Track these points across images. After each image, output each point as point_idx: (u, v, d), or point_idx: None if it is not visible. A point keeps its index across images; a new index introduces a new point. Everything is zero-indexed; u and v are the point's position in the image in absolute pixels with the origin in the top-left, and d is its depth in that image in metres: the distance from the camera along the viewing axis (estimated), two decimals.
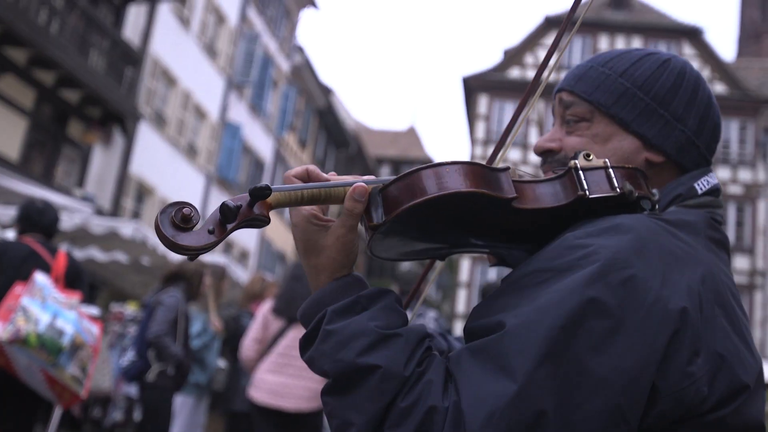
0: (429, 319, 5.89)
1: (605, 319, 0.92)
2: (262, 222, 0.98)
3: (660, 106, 1.21)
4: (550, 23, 29.02)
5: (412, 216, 1.01)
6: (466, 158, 1.06)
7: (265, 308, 5.51)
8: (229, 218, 0.96)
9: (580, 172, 1.06)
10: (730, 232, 26.38)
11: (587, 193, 1.04)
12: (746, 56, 62.56)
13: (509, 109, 28.47)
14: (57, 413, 5.78)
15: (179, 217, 0.94)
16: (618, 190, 1.05)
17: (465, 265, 27.02)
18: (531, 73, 28.67)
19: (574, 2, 1.23)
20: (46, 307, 4.02)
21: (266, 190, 0.98)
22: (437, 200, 0.99)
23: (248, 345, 5.37)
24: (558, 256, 0.99)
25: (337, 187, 1.04)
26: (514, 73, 28.86)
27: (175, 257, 11.06)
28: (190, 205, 0.96)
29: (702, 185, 1.21)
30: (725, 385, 1.00)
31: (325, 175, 1.10)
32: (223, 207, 0.95)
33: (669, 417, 0.96)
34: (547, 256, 1.01)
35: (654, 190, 1.12)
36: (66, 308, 4.10)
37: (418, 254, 1.20)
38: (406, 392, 0.93)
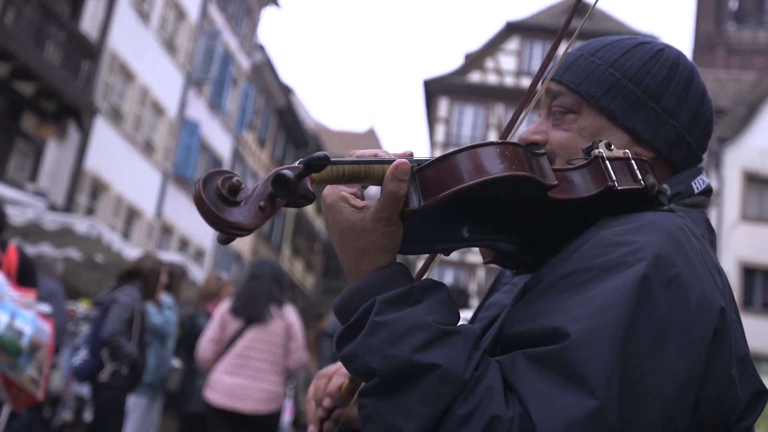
0: None
1: (657, 322, 0.89)
2: (309, 199, 0.86)
3: (651, 99, 1.15)
4: (511, 29, 29.29)
5: (449, 203, 0.92)
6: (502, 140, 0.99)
7: (222, 308, 5.43)
8: (282, 191, 0.82)
9: (607, 162, 1.01)
10: None
11: (616, 184, 0.99)
12: (700, 67, 63.72)
13: (469, 112, 28.65)
14: (5, 411, 5.63)
15: (227, 187, 0.81)
16: (642, 183, 1.02)
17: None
18: (492, 78, 28.91)
19: (572, 11, 1.16)
20: (3, 306, 3.86)
21: (324, 161, 0.84)
22: (480, 186, 0.91)
23: (205, 345, 5.30)
24: (600, 254, 0.93)
25: (378, 164, 0.93)
26: (475, 77, 29.05)
27: (132, 254, 10.88)
28: (234, 173, 0.83)
29: (698, 184, 1.17)
30: (750, 390, 0.98)
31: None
32: (281, 177, 0.81)
33: (708, 426, 0.93)
34: (586, 255, 0.94)
35: (665, 186, 1.07)
36: (23, 307, 3.95)
37: (425, 248, 1.11)
38: (465, 398, 0.84)
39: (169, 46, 22.16)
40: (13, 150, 15.97)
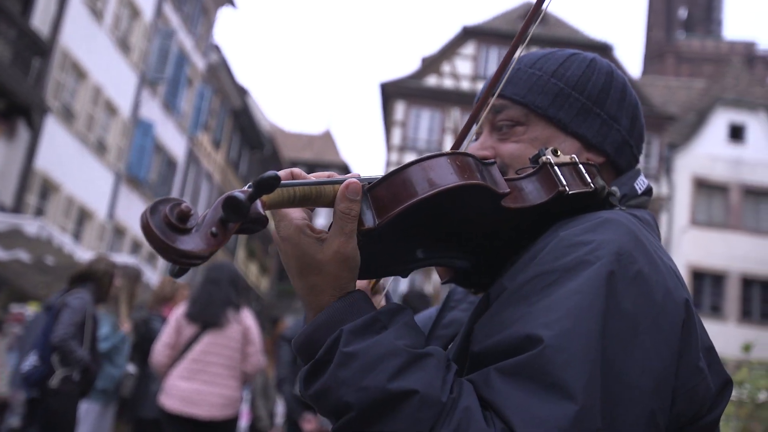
0: None
1: (627, 319, 0.88)
2: (261, 224, 0.82)
3: (595, 105, 1.18)
4: (467, 33, 29.47)
5: (404, 219, 0.90)
6: (452, 149, 0.98)
7: (178, 312, 5.34)
8: (234, 215, 0.77)
9: (555, 168, 1.01)
10: None
11: (567, 189, 0.99)
12: (651, 74, 65.06)
13: (426, 116, 28.75)
14: None
15: (176, 215, 0.77)
16: (592, 186, 1.02)
17: None
18: (448, 82, 29.05)
19: (525, 23, 1.15)
20: None
21: (275, 180, 0.80)
22: (435, 198, 0.88)
23: (160, 350, 5.20)
24: (561, 255, 0.93)
25: (329, 184, 0.91)
26: (431, 81, 29.17)
27: (83, 257, 10.66)
28: (183, 199, 0.79)
29: (640, 185, 1.19)
30: (718, 380, 0.98)
31: (298, 170, 0.97)
32: (232, 200, 0.77)
33: (683, 418, 0.92)
34: (547, 257, 0.93)
35: (615, 188, 1.08)
36: None
37: (381, 272, 1.07)
38: (445, 421, 0.82)
39: (123, 45, 21.82)
40: None
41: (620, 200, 1.13)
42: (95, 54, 20.06)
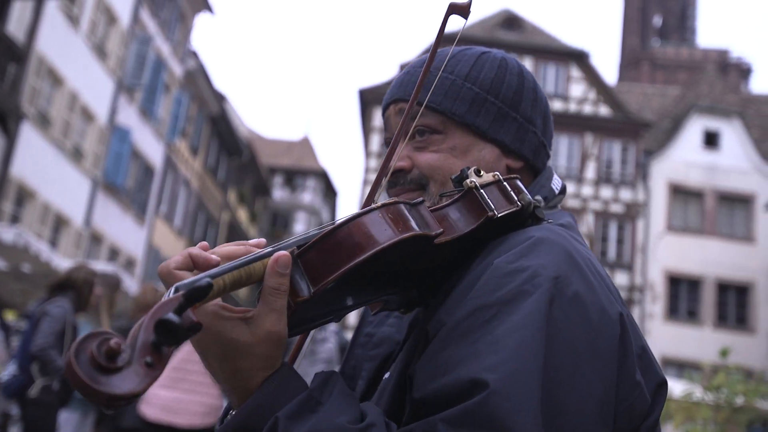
0: (330, 333, 5.82)
1: (567, 349, 0.86)
2: (196, 330, 0.73)
3: (511, 109, 1.16)
4: (445, 40, 29.55)
5: (339, 282, 0.85)
6: (380, 200, 0.97)
7: None
8: (170, 338, 0.70)
9: (482, 191, 0.98)
10: (612, 250, 27.54)
11: (495, 213, 0.96)
12: (627, 81, 65.65)
13: None
14: None
15: (103, 353, 0.67)
16: (519, 204, 0.99)
17: None
18: None
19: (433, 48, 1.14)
20: None
21: (209, 288, 0.74)
22: (371, 258, 0.84)
23: None
24: (497, 287, 0.89)
25: (255, 261, 0.84)
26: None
27: (61, 264, 10.57)
28: (111, 333, 0.70)
29: (556, 185, 1.18)
30: (653, 383, 0.97)
31: (206, 253, 0.88)
32: (166, 324, 0.69)
33: (622, 430, 0.91)
34: (484, 289, 0.90)
35: (538, 197, 1.05)
36: None
37: (307, 327, 0.99)
38: None
39: (100, 51, 21.68)
40: None
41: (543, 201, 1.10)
42: (71, 60, 19.93)
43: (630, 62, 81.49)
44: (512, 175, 1.04)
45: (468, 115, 1.13)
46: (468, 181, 0.99)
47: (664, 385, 0.99)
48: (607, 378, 0.88)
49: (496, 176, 1.01)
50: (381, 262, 0.87)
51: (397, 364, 1.05)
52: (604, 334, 0.89)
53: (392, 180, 1.15)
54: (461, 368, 0.84)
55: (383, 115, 1.22)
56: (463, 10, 1.14)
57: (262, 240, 0.93)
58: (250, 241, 0.92)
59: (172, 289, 0.77)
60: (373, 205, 0.89)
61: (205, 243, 0.92)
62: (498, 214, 0.96)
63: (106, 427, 6.93)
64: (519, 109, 1.16)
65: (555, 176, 1.20)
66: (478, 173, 1.00)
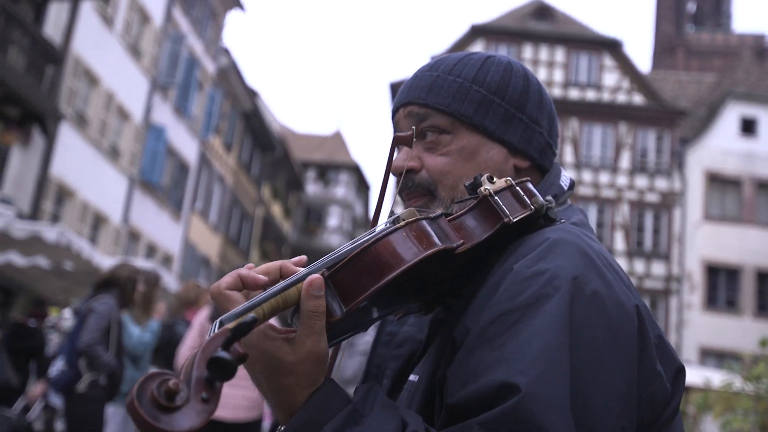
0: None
1: (590, 347, 0.90)
2: (243, 361, 0.78)
3: (517, 110, 1.19)
4: (475, 32, 29.47)
5: (370, 300, 0.89)
6: (406, 216, 0.98)
7: (202, 316, 5.41)
8: (223, 374, 0.74)
9: (496, 198, 1.01)
10: (648, 239, 27.28)
11: (510, 218, 0.99)
12: (661, 69, 64.74)
13: None
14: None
15: (163, 393, 0.72)
16: (532, 207, 1.02)
17: None
18: None
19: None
20: None
21: (254, 323, 0.79)
22: (401, 275, 0.88)
23: (185, 354, 5.27)
24: (519, 291, 0.93)
25: (290, 288, 0.89)
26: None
27: (102, 262, 10.77)
28: (169, 373, 0.74)
29: (564, 182, 1.22)
30: (672, 369, 1.00)
31: (253, 273, 0.94)
32: (219, 361, 0.74)
33: (645, 421, 0.95)
34: (506, 294, 0.94)
35: (549, 197, 1.07)
36: None
37: (342, 337, 1.05)
38: None
39: (134, 51, 21.96)
40: None
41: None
42: (107, 60, 20.22)
43: (664, 49, 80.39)
44: (523, 179, 1.07)
45: (476, 116, 1.17)
46: (482, 188, 1.02)
47: (682, 371, 1.02)
48: (628, 371, 0.91)
49: (509, 182, 1.03)
50: (407, 277, 0.91)
51: (425, 367, 1.09)
52: (623, 328, 0.93)
53: (402, 181, 1.18)
54: (491, 373, 0.88)
55: (392, 118, 1.25)
56: (407, 141, 1.16)
57: (303, 257, 0.97)
58: (293, 259, 0.96)
59: (217, 323, 0.82)
60: (397, 225, 0.92)
61: (251, 264, 0.97)
62: (513, 219, 1.00)
63: None
64: (525, 110, 1.19)
65: (563, 173, 1.23)
66: (491, 180, 1.03)
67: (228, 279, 0.91)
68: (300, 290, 0.88)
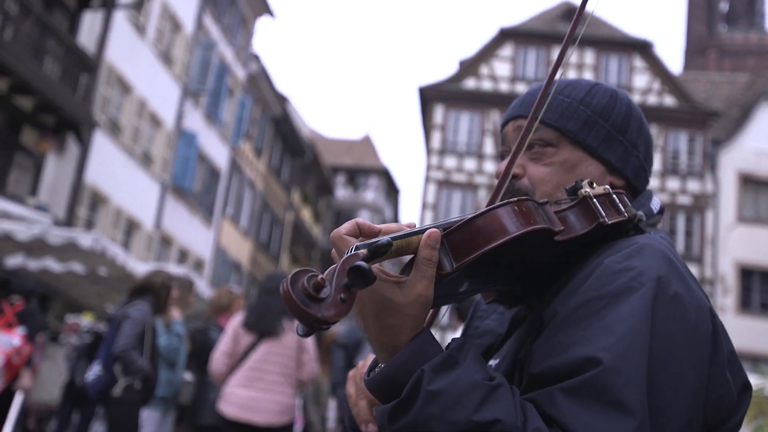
0: None
1: (668, 340, 0.98)
2: (373, 282, 0.89)
3: (619, 133, 1.29)
4: (504, 35, 29.41)
5: (476, 262, 0.99)
6: (517, 196, 1.11)
7: (235, 322, 5.49)
8: (362, 282, 0.87)
9: (595, 200, 1.11)
10: (680, 242, 27.00)
11: (606, 220, 1.09)
12: (693, 69, 63.97)
13: (465, 119, 28.75)
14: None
15: (312, 285, 0.86)
16: (626, 215, 1.12)
17: None
18: (486, 84, 29.02)
19: (575, 17, 1.27)
20: None
21: (389, 246, 0.91)
22: (506, 244, 0.98)
23: (218, 359, 5.36)
24: (608, 282, 1.02)
25: (413, 235, 0.99)
26: (470, 83, 29.17)
27: (135, 268, 10.93)
28: (315, 271, 0.88)
29: (655, 206, 1.30)
30: (740, 383, 1.08)
31: (369, 223, 1.04)
32: (360, 269, 0.86)
33: (711, 424, 1.02)
34: (595, 284, 1.03)
35: (641, 212, 1.17)
36: None
37: (440, 303, 1.16)
38: None
39: (166, 58, 22.23)
40: (13, 164, 16.02)
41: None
42: (139, 68, 20.50)
43: (696, 50, 79.50)
44: (620, 191, 1.16)
45: (580, 133, 1.27)
46: (583, 190, 1.12)
47: (749, 388, 1.10)
48: (700, 369, 0.99)
49: (607, 189, 1.13)
50: (509, 250, 1.01)
51: (507, 351, 1.20)
52: (699, 331, 1.01)
53: (507, 186, 1.28)
54: (576, 348, 0.96)
55: (501, 130, 1.37)
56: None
57: (413, 222, 1.07)
58: (402, 223, 1.06)
59: (353, 248, 0.93)
60: (507, 201, 1.03)
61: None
62: (608, 221, 1.09)
63: (187, 425, 7.18)
64: (626, 134, 1.29)
65: (655, 199, 1.32)
66: (591, 185, 1.13)
67: (348, 225, 1.01)
68: (419, 240, 0.98)
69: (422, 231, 0.99)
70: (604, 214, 1.09)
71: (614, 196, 1.13)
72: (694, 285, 1.06)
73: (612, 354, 0.94)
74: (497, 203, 1.02)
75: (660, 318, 0.98)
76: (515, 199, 1.03)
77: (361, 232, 1.01)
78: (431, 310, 1.19)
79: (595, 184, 1.14)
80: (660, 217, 1.30)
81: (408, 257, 1.01)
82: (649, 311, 0.98)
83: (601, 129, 1.28)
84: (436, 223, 1.04)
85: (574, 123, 1.27)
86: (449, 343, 1.00)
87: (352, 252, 0.91)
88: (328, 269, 0.91)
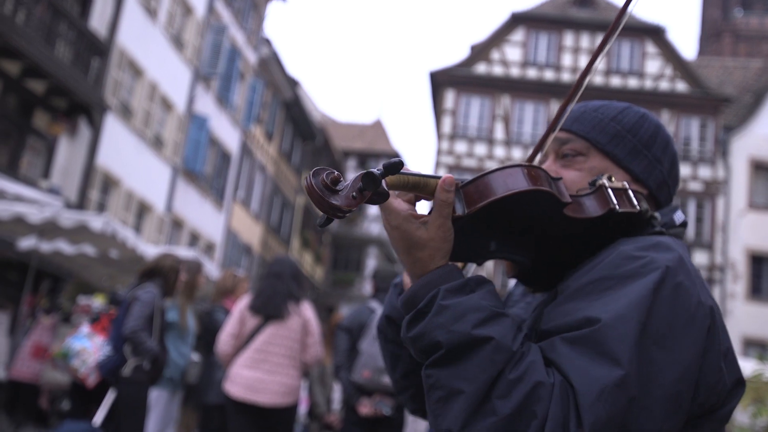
0: None
1: (665, 319, 1.09)
2: (384, 197, 1.07)
3: (645, 148, 1.42)
4: (516, 20, 29.30)
5: (485, 212, 1.14)
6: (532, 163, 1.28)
7: (242, 304, 5.59)
8: (370, 185, 1.02)
9: (609, 190, 1.23)
10: (690, 228, 26.95)
11: (617, 207, 1.21)
12: (707, 55, 63.39)
13: (476, 104, 28.72)
14: None
15: (330, 179, 1.01)
16: (638, 208, 1.24)
17: None
18: (497, 69, 28.95)
19: (623, 7, 1.38)
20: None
21: (401, 165, 1.05)
22: (511, 198, 1.12)
23: (225, 340, 5.46)
24: (620, 265, 1.15)
25: (432, 178, 1.15)
26: (481, 68, 29.10)
27: (146, 250, 11.07)
28: (333, 169, 1.03)
29: (678, 218, 1.41)
30: (733, 378, 1.19)
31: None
32: (370, 174, 1.02)
33: (703, 407, 1.13)
34: (609, 265, 1.16)
35: (656, 213, 1.30)
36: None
37: (465, 257, 1.30)
38: (514, 365, 1.04)
39: (177, 42, 22.30)
40: (26, 147, 16.17)
41: (661, 226, 1.35)
42: (150, 52, 20.57)
43: (710, 35, 78.74)
44: (639, 190, 1.30)
45: (609, 145, 1.40)
46: (600, 181, 1.25)
47: (742, 383, 1.21)
48: (693, 352, 1.10)
49: (624, 185, 1.28)
50: (520, 210, 1.16)
51: (529, 320, 1.36)
52: (697, 319, 1.12)
53: None
54: (581, 312, 1.11)
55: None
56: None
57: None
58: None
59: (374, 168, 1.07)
60: (519, 163, 1.16)
61: None
62: (619, 209, 1.21)
63: (193, 404, 7.31)
64: (651, 149, 1.42)
65: (679, 213, 1.42)
66: (610, 179, 1.27)
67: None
68: (436, 183, 1.14)
69: (440, 177, 1.15)
70: (616, 202, 1.22)
71: (630, 191, 1.25)
72: (701, 285, 1.17)
73: (610, 314, 1.07)
74: (508, 164, 1.16)
75: (661, 299, 1.10)
76: (527, 163, 1.17)
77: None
78: (458, 264, 1.39)
79: (614, 179, 1.27)
80: (683, 230, 1.41)
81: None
82: (651, 294, 1.10)
83: (629, 143, 1.41)
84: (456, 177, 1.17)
85: (604, 136, 1.41)
86: (471, 277, 1.16)
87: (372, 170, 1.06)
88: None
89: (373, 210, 44.62)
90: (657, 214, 1.30)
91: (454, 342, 1.06)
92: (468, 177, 1.18)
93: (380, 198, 1.06)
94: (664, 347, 1.07)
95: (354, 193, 1.02)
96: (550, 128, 1.41)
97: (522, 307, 1.53)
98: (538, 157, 1.43)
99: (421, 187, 1.13)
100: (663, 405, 1.05)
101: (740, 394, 1.21)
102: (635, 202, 1.24)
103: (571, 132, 1.43)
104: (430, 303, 1.11)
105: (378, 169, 1.04)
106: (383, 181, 1.05)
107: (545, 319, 1.17)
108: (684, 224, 1.42)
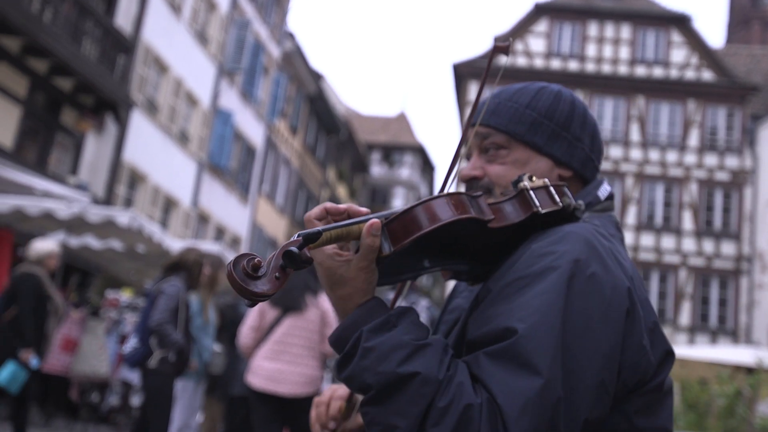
0: (422, 308, 6.11)
1: (581, 313, 1.12)
2: (309, 263, 1.09)
3: (563, 129, 1.45)
4: (539, 10, 29.15)
5: (412, 245, 1.16)
6: (449, 191, 1.28)
7: None
8: (291, 263, 1.05)
9: (531, 192, 1.25)
10: (717, 218, 26.74)
11: (540, 209, 1.23)
12: (735, 42, 62.56)
13: None
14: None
15: (251, 266, 1.03)
16: (560, 204, 1.27)
17: None
18: (521, 60, 28.85)
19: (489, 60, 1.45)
20: None
21: (318, 235, 1.09)
22: (436, 230, 1.14)
23: (246, 333, 5.59)
24: (532, 263, 1.18)
25: (354, 224, 1.17)
26: (504, 60, 28.97)
27: (171, 245, 11.25)
28: (255, 254, 1.06)
29: (602, 193, 1.45)
30: (660, 351, 1.24)
31: (341, 206, 1.22)
32: (290, 253, 1.05)
33: (627, 385, 1.19)
34: (522, 265, 1.19)
35: (580, 201, 1.32)
36: None
37: (397, 278, 1.34)
38: (442, 393, 1.07)
39: (201, 38, 22.51)
40: (54, 144, 16.45)
41: (585, 208, 1.39)
42: (175, 48, 20.80)
43: (739, 22, 77.63)
44: (560, 183, 1.32)
45: (527, 135, 1.44)
46: (521, 184, 1.26)
47: (671, 354, 1.27)
48: (613, 339, 1.15)
49: (545, 182, 1.28)
50: (446, 234, 1.16)
51: (460, 324, 1.38)
52: (613, 305, 1.17)
53: (468, 185, 1.47)
54: (500, 319, 1.13)
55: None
56: (505, 50, 1.46)
57: (366, 209, 1.26)
58: (362, 209, 1.25)
59: (296, 235, 1.10)
60: (441, 194, 1.19)
61: (330, 203, 1.27)
62: (542, 210, 1.24)
63: (219, 395, 7.47)
64: (569, 130, 1.45)
65: (604, 185, 1.47)
66: (531, 179, 1.27)
67: (316, 210, 1.21)
68: (361, 228, 1.16)
69: (366, 220, 1.19)
70: (539, 204, 1.25)
71: (551, 188, 1.28)
72: (615, 266, 1.22)
73: (526, 324, 1.10)
74: (431, 197, 1.20)
75: (576, 294, 1.14)
76: (447, 192, 1.21)
77: (328, 213, 1.21)
78: (399, 284, 1.45)
79: (534, 178, 1.29)
80: (610, 203, 1.46)
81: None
82: (563, 288, 1.13)
83: (546, 128, 1.44)
84: (380, 214, 1.22)
85: (521, 126, 1.44)
86: (393, 310, 1.20)
87: (293, 239, 1.10)
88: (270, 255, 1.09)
89: (398, 201, 44.64)
90: (580, 202, 1.30)
91: (382, 383, 1.09)
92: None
93: (306, 264, 1.07)
94: (584, 341, 1.10)
95: (277, 274, 1.04)
96: (467, 125, 1.45)
97: (465, 297, 1.56)
98: (463, 151, 1.44)
99: (344, 236, 1.16)
100: (589, 396, 1.09)
101: (670, 363, 1.25)
102: (557, 198, 1.27)
103: (489, 126, 1.46)
104: (355, 346, 1.13)
105: (297, 242, 1.07)
106: (305, 248, 1.08)
107: (469, 328, 1.20)
108: (610, 197, 1.46)
